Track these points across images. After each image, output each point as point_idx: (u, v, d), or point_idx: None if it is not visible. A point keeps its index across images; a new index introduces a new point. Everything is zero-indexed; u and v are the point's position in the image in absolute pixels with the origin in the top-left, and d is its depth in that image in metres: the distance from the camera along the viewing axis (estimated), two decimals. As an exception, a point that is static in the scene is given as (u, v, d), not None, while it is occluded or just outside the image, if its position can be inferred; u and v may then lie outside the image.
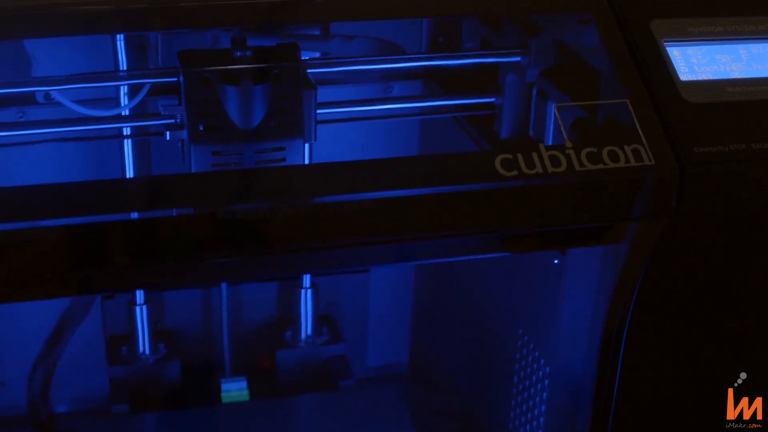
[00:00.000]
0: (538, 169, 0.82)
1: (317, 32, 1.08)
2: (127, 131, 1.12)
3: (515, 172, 0.82)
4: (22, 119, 1.12)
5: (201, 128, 0.92)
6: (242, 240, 0.80)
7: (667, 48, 0.91)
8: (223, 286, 1.31)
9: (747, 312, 0.97)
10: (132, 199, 0.81)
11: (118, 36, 1.06)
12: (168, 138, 0.94)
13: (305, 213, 0.80)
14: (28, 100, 1.11)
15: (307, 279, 1.31)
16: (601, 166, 0.83)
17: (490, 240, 0.91)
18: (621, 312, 0.94)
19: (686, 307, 0.95)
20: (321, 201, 0.80)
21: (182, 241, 0.79)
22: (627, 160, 0.84)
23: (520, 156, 0.83)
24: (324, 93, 0.97)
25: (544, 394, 1.11)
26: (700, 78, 0.91)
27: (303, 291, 1.31)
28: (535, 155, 0.83)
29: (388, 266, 1.39)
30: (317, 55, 1.07)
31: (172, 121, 0.95)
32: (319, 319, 1.35)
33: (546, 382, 1.10)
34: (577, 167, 0.83)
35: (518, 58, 1.03)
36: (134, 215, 0.78)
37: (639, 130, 0.86)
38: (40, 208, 0.77)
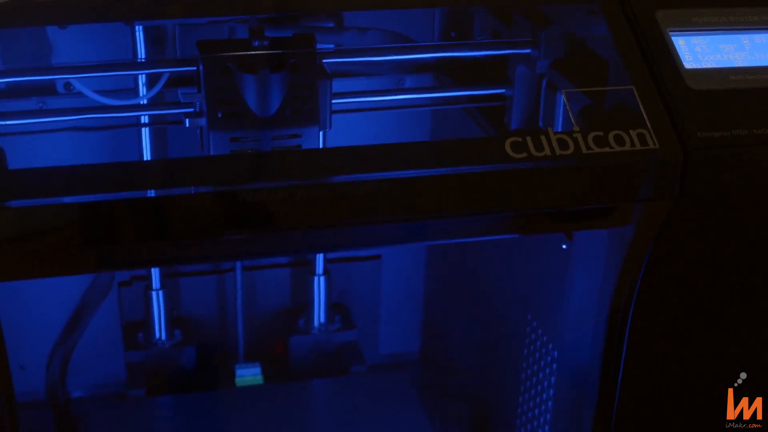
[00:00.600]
0: (547, 151, 0.84)
1: (332, 25, 1.10)
2: (145, 120, 1.14)
3: (524, 154, 0.83)
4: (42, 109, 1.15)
5: (220, 115, 0.94)
6: (257, 219, 0.82)
7: (672, 37, 0.92)
8: (238, 273, 1.33)
9: (749, 295, 0.98)
10: (153, 179, 0.82)
11: (137, 28, 1.08)
12: (187, 125, 0.96)
13: (320, 193, 0.82)
14: (49, 90, 1.13)
15: (320, 266, 1.32)
16: (607, 149, 0.85)
17: (499, 221, 0.92)
18: (626, 295, 0.95)
19: (690, 290, 0.96)
20: (335, 181, 0.82)
21: (201, 218, 0.81)
22: (632, 144, 0.85)
23: (529, 139, 0.84)
24: (338, 85, 0.99)
25: (552, 379, 1.12)
26: (704, 66, 0.92)
27: (316, 278, 1.33)
28: (543, 138, 0.84)
29: (400, 251, 1.40)
30: (332, 47, 1.09)
31: (191, 109, 0.96)
32: (331, 307, 1.37)
33: (554, 366, 1.11)
34: (584, 150, 0.84)
35: (528, 50, 1.04)
36: (152, 193, 0.80)
37: (644, 115, 0.87)
38: (64, 186, 0.79)
